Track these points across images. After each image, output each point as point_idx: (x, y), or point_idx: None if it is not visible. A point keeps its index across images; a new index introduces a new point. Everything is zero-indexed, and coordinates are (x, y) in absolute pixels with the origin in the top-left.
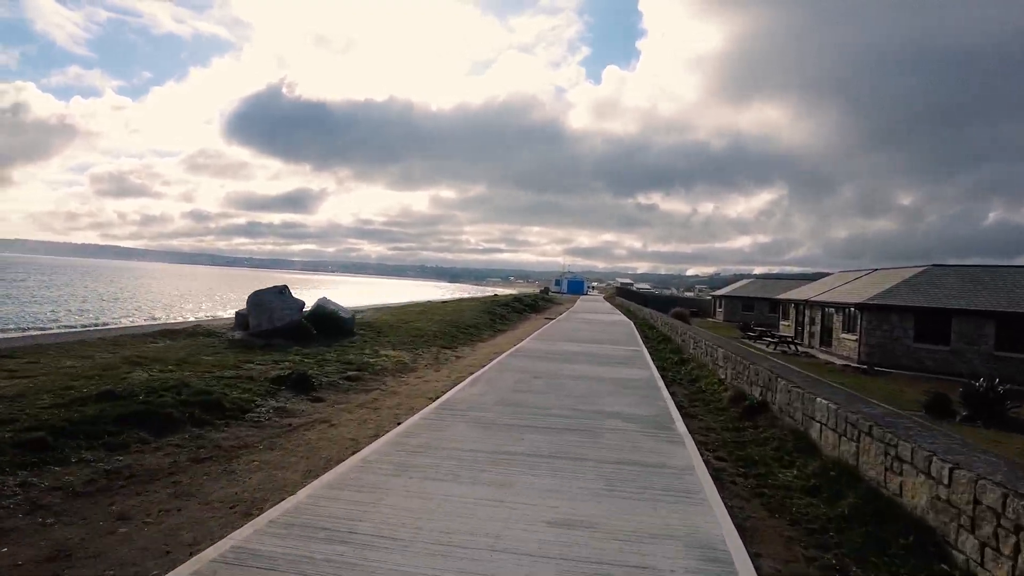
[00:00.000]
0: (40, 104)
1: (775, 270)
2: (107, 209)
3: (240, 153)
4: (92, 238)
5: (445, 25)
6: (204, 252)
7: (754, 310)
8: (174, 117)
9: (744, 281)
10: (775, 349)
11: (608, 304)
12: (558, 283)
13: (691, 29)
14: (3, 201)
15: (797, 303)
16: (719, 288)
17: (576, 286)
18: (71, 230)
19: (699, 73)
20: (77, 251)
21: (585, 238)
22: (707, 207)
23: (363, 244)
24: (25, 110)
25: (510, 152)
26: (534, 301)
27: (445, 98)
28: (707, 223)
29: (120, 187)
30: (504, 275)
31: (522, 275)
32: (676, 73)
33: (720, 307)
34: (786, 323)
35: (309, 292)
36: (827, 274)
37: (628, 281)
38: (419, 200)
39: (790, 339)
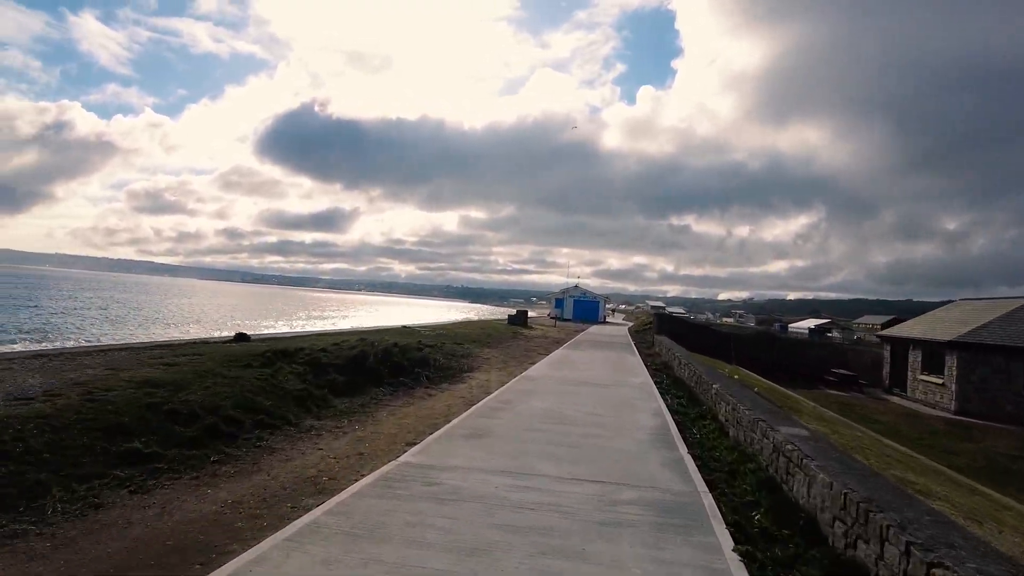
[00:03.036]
0: (83, 122)
1: (810, 296)
2: (143, 225)
3: (273, 171)
4: (129, 253)
5: (479, 43)
6: (236, 269)
7: None
8: (209, 135)
9: (1014, 304)
10: None
11: (642, 365)
12: (559, 304)
13: (729, 47)
14: (49, 217)
15: None
16: (750, 313)
17: (587, 310)
18: (110, 245)
19: (736, 92)
20: (113, 266)
21: (615, 260)
22: (743, 230)
23: (394, 263)
24: (69, 128)
25: (541, 172)
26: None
27: (477, 117)
28: (742, 246)
29: (156, 204)
30: (529, 296)
31: (546, 296)
32: (712, 92)
33: (947, 375)
34: None
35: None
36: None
37: (660, 304)
38: (449, 220)
39: None
